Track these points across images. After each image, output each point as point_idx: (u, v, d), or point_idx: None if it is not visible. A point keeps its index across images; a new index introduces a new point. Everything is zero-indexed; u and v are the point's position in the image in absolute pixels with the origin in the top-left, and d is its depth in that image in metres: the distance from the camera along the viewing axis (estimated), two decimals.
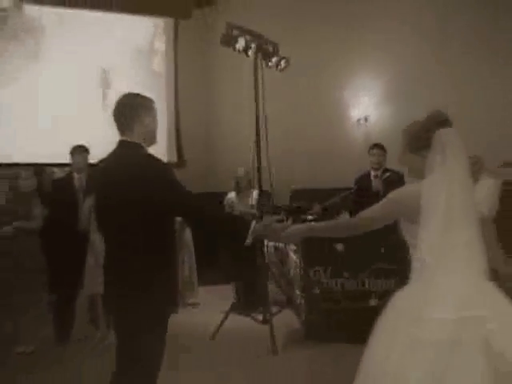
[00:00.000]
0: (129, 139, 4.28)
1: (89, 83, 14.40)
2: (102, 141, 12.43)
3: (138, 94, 4.43)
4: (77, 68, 14.19)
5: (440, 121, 3.84)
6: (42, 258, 8.29)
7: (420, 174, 3.81)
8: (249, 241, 4.05)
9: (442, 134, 3.74)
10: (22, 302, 8.08)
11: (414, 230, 3.76)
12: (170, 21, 15.47)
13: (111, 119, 4.34)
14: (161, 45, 15.49)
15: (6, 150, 13.29)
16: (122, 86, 14.61)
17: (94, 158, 9.32)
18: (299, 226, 4.10)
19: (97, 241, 8.28)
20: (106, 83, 14.57)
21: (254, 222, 4.09)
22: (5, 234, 8.03)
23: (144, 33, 15.29)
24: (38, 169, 10.43)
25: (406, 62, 11.17)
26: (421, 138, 3.82)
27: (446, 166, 3.68)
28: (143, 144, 4.30)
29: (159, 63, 15.44)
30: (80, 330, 8.79)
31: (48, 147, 13.00)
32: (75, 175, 8.89)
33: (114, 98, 4.47)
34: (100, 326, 8.52)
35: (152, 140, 4.38)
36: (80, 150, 8.93)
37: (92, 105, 14.23)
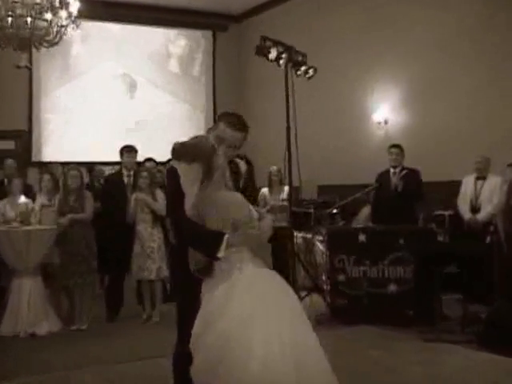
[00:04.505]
0: None
1: (119, 89, 14.59)
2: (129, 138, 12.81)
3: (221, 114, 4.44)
4: (107, 76, 14.40)
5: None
6: (95, 245, 8.34)
7: None
8: (221, 254, 3.80)
9: None
10: (76, 284, 8.14)
11: None
12: (209, 33, 15.51)
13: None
14: (200, 55, 15.53)
15: (56, 150, 13.55)
16: (170, 89, 14.86)
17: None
18: None
19: (142, 231, 8.34)
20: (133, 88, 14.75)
21: (226, 236, 3.81)
22: (61, 224, 8.09)
23: (184, 44, 15.34)
24: (88, 167, 10.52)
25: (419, 73, 11.11)
26: None
27: None
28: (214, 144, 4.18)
29: (199, 70, 15.48)
30: (128, 310, 8.84)
31: (88, 146, 13.28)
32: (124, 172, 8.91)
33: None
34: (146, 307, 8.56)
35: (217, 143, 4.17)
36: (129, 150, 8.94)
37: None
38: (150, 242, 8.28)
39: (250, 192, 4.38)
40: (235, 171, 4.35)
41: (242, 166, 4.43)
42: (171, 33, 15.32)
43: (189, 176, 3.97)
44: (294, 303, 3.85)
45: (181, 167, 4.04)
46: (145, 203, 8.30)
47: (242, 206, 3.97)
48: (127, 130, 14.19)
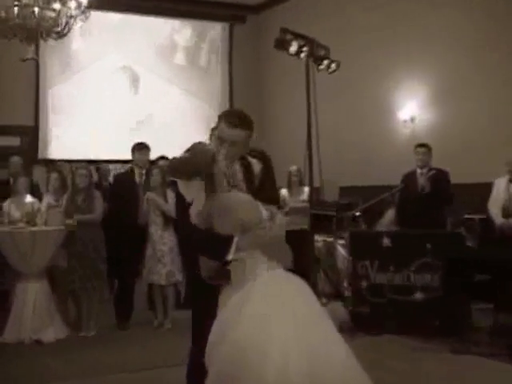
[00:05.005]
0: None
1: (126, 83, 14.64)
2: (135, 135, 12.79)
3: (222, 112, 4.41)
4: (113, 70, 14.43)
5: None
6: (103, 247, 8.32)
7: None
8: (230, 257, 3.84)
9: None
10: (83, 288, 8.14)
11: None
12: (226, 25, 15.47)
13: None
14: (215, 47, 15.48)
15: (63, 148, 13.54)
16: (180, 83, 14.82)
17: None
18: None
19: (153, 233, 8.32)
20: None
21: (235, 239, 3.85)
22: (69, 225, 8.09)
23: (193, 35, 15.30)
24: (96, 165, 10.54)
25: (448, 69, 11.05)
26: None
27: None
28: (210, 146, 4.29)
29: (213, 64, 15.44)
30: (139, 316, 8.82)
31: (95, 143, 13.37)
32: (136, 171, 8.90)
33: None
34: (158, 314, 8.55)
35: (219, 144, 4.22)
36: (141, 147, 8.94)
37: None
38: (161, 244, 8.27)
39: (265, 192, 4.36)
40: (248, 171, 4.34)
41: (255, 165, 4.41)
42: (183, 23, 15.25)
43: (190, 192, 4.01)
44: (314, 306, 3.83)
45: (181, 184, 4.06)
46: (155, 204, 8.29)
47: (251, 206, 3.96)
48: (134, 126, 14.18)
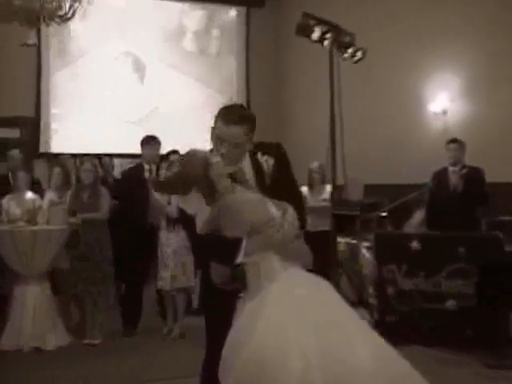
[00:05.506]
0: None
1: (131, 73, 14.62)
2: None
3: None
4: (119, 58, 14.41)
5: None
6: (110, 248, 8.28)
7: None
8: (240, 260, 3.80)
9: None
10: (88, 292, 8.10)
11: None
12: (243, 9, 15.40)
13: None
14: (229, 32, 15.41)
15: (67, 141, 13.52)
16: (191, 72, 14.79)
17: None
18: None
19: (160, 234, 8.27)
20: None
21: (244, 242, 3.82)
22: (72, 224, 8.05)
23: (208, 19, 15.23)
24: (100, 159, 10.53)
25: (485, 58, 10.93)
26: None
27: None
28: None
29: (227, 50, 15.38)
30: (147, 322, 8.79)
31: (101, 136, 13.43)
32: (145, 166, 8.84)
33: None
34: (168, 320, 8.50)
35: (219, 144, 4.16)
36: (150, 141, 8.89)
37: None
38: (166, 247, 8.23)
39: (278, 189, 4.28)
40: (258, 168, 4.26)
41: (266, 161, 4.33)
42: (193, 6, 15.18)
43: (191, 205, 4.04)
44: (338, 306, 3.78)
45: (180, 199, 4.09)
46: (159, 205, 8.23)
47: (258, 205, 3.90)
48: (140, 118, 14.18)
